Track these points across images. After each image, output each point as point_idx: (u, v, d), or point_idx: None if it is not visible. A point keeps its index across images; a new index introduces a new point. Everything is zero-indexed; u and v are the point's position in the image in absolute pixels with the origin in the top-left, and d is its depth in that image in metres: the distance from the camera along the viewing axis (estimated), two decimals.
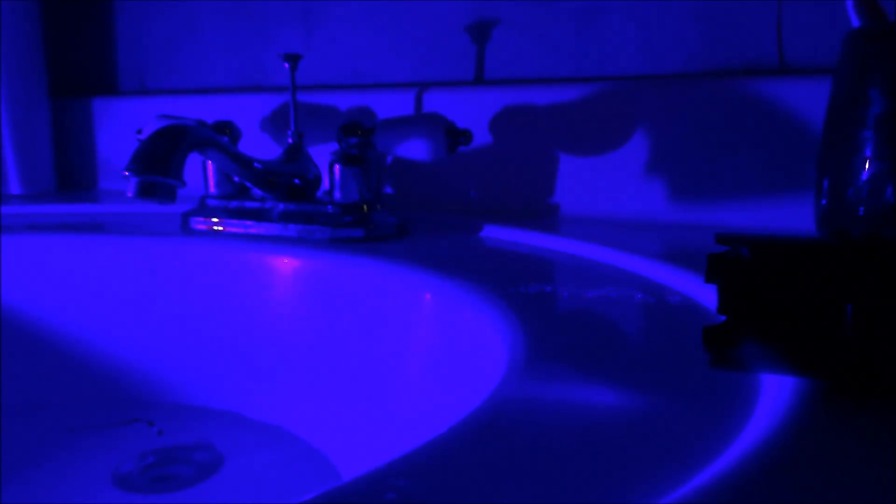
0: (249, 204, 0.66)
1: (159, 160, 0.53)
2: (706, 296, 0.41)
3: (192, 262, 0.62)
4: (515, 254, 0.57)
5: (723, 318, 0.31)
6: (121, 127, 0.94)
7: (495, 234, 0.63)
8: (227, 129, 0.69)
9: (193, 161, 0.64)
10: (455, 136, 0.62)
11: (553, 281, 0.48)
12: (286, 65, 0.67)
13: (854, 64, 0.45)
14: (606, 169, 0.67)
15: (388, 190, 0.77)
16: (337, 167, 0.63)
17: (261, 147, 0.80)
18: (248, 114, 0.82)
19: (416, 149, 0.62)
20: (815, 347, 0.28)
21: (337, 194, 0.63)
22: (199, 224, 0.67)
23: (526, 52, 0.73)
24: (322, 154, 0.73)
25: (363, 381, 0.51)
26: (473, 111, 0.71)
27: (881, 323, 0.27)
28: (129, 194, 0.53)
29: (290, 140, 0.67)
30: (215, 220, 0.66)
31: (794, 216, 0.58)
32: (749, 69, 0.63)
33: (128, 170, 0.53)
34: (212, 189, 0.68)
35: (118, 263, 0.63)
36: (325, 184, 0.67)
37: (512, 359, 0.34)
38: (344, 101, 0.78)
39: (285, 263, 0.58)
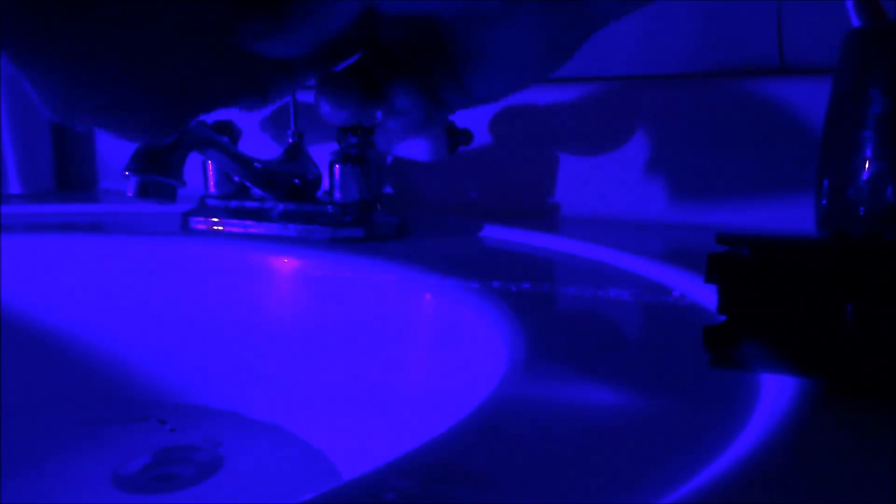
0: (249, 204, 0.66)
1: (159, 160, 0.53)
2: (706, 296, 0.41)
3: (191, 262, 0.62)
4: (516, 253, 0.57)
5: (723, 318, 0.31)
6: None
7: (495, 233, 0.63)
8: (227, 129, 0.69)
9: (193, 161, 0.64)
10: (455, 136, 0.62)
11: (553, 280, 0.48)
12: None
13: (854, 64, 0.45)
14: (606, 169, 0.67)
15: (388, 190, 0.77)
16: (337, 167, 0.63)
17: (261, 147, 0.80)
18: (248, 113, 0.82)
19: (416, 149, 0.62)
20: (815, 347, 0.28)
21: (337, 194, 0.63)
22: (198, 224, 0.67)
23: None
24: (322, 154, 0.73)
25: (363, 381, 0.51)
26: (473, 111, 0.71)
27: (881, 323, 0.27)
28: (129, 194, 0.53)
29: (290, 140, 0.67)
30: (215, 219, 0.66)
31: (794, 216, 0.58)
32: (749, 69, 0.63)
33: (128, 169, 0.53)
34: (212, 189, 0.68)
35: (118, 263, 0.63)
36: (325, 184, 0.67)
37: (512, 358, 0.34)
38: None
39: (285, 263, 0.58)
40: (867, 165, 0.43)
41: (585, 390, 0.30)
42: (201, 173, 0.69)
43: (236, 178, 0.67)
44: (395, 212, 0.65)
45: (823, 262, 0.28)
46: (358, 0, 0.26)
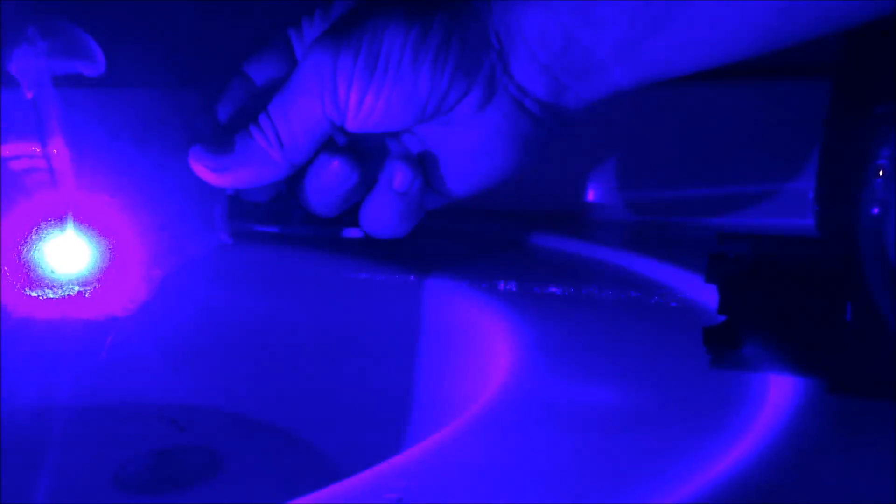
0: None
1: None
2: (706, 296, 0.41)
3: (189, 261, 0.62)
4: (517, 253, 0.57)
5: (723, 318, 0.31)
6: None
7: (496, 233, 0.63)
8: None
9: None
10: None
11: (554, 280, 0.48)
12: None
13: (854, 64, 0.45)
14: (605, 168, 0.67)
15: None
16: None
17: None
18: None
19: None
20: (815, 347, 0.28)
21: None
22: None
23: None
24: None
25: (364, 381, 0.51)
26: None
27: (880, 323, 0.27)
28: None
29: None
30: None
31: (794, 216, 0.58)
32: (749, 69, 0.63)
33: None
34: None
35: None
36: None
37: (514, 359, 0.34)
38: None
39: (285, 263, 0.58)
40: (867, 166, 0.43)
41: (586, 391, 0.30)
42: None
43: None
44: None
45: (823, 262, 0.28)
46: (328, 127, 0.29)
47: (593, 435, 0.26)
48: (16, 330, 0.62)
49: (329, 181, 0.31)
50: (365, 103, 0.29)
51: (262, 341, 0.58)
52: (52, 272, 0.36)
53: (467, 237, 0.63)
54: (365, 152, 0.32)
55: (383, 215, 0.33)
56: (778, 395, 0.28)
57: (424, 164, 0.32)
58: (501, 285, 0.45)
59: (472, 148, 0.31)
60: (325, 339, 0.55)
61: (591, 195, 0.68)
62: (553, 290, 0.45)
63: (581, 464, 0.24)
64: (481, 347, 0.40)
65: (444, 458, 0.25)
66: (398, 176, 0.31)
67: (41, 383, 0.61)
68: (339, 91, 0.29)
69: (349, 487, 0.23)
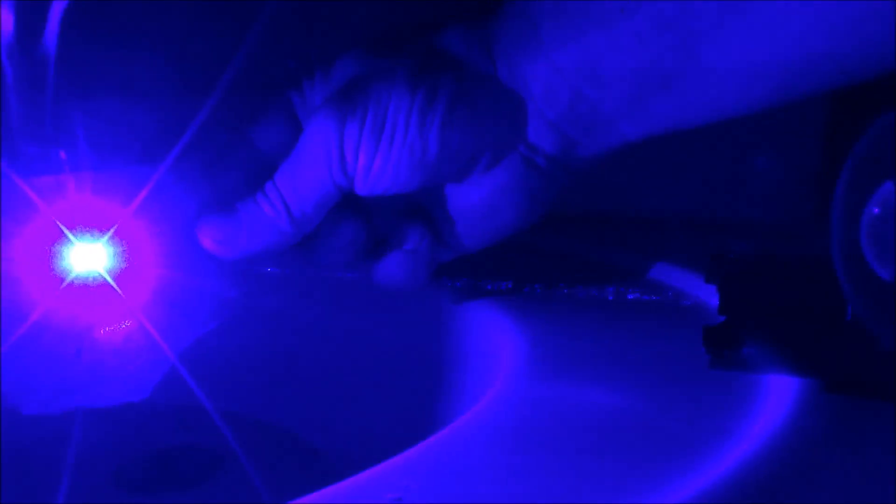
0: None
1: None
2: (707, 296, 0.41)
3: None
4: (516, 252, 0.57)
5: (723, 318, 0.31)
6: None
7: None
8: None
9: None
10: None
11: (553, 280, 0.48)
12: None
13: None
14: (606, 167, 0.67)
15: None
16: None
17: None
18: None
19: None
20: (815, 347, 0.28)
21: None
22: None
23: None
24: None
25: (363, 381, 0.51)
26: None
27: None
28: None
29: None
30: None
31: (794, 217, 0.58)
32: None
33: None
34: None
35: None
36: None
37: (513, 358, 0.34)
38: None
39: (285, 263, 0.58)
40: (867, 167, 0.43)
41: (586, 391, 0.30)
42: None
43: None
44: None
45: (823, 261, 0.28)
46: (337, 194, 0.29)
47: (593, 435, 0.26)
48: (16, 329, 0.62)
49: (337, 243, 0.31)
50: (373, 170, 0.28)
51: (263, 341, 0.58)
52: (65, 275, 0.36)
53: None
54: (374, 209, 0.32)
55: (394, 272, 0.33)
56: (778, 395, 0.28)
57: (434, 221, 0.32)
58: (501, 286, 0.45)
59: (483, 205, 0.31)
60: (325, 339, 0.55)
61: (590, 194, 0.68)
62: (553, 290, 0.45)
63: (581, 464, 0.24)
64: (482, 347, 0.40)
65: (444, 458, 0.25)
66: (407, 235, 0.31)
67: (42, 383, 0.61)
68: (347, 158, 0.28)
69: (349, 487, 0.23)
